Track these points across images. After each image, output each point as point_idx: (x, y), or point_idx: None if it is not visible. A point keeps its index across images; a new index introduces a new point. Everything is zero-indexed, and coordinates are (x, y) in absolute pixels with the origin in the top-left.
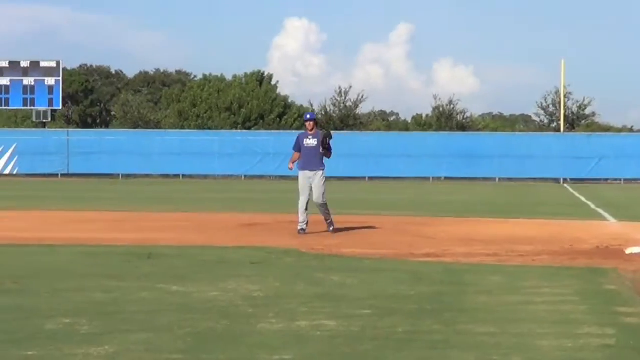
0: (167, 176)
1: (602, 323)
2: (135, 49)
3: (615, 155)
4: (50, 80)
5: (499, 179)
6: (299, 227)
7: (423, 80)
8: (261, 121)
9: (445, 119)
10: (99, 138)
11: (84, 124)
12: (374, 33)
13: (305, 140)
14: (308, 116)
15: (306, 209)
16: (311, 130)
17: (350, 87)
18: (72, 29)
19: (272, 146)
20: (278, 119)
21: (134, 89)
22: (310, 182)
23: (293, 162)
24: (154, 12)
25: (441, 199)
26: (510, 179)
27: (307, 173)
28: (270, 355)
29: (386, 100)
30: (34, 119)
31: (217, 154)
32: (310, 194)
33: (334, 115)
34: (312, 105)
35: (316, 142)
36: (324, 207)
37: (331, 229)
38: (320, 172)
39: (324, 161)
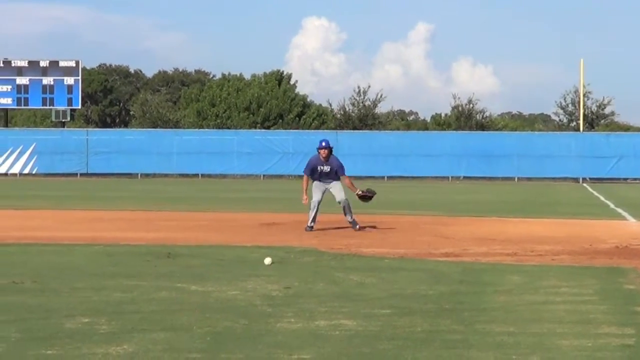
0: (185, 175)
1: (622, 323)
2: (154, 49)
3: (635, 155)
4: (69, 80)
5: (518, 178)
6: (308, 225)
7: (442, 80)
8: (280, 120)
9: (465, 118)
10: (118, 137)
11: (103, 123)
12: (393, 32)
13: (319, 166)
14: (323, 143)
15: (318, 210)
16: (325, 157)
17: (369, 86)
18: (91, 29)
19: (291, 145)
20: (297, 118)
21: (153, 89)
22: (328, 188)
23: (306, 192)
24: (173, 12)
25: (460, 199)
26: (529, 179)
27: (325, 184)
28: (289, 354)
29: (405, 100)
30: (53, 118)
31: (236, 153)
32: (331, 196)
33: (353, 114)
34: (330, 105)
35: (329, 169)
36: (348, 207)
37: (357, 227)
38: (337, 181)
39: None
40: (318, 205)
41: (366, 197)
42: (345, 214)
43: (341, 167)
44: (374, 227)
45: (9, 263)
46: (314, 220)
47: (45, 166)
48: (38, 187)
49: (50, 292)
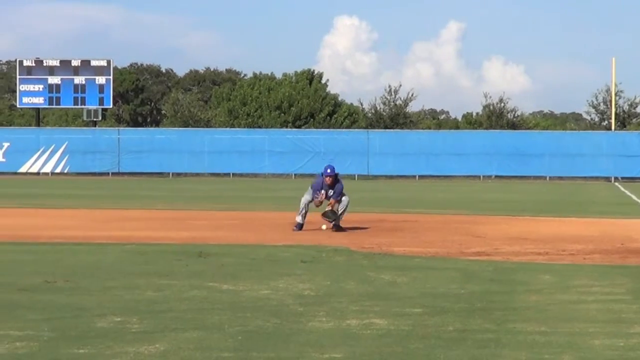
0: (217, 175)
1: None
2: (186, 48)
3: None
4: (100, 79)
5: (550, 177)
6: (298, 223)
7: (473, 79)
8: (311, 120)
9: (496, 117)
10: (150, 137)
11: (134, 122)
12: (425, 31)
13: (323, 190)
14: (329, 170)
15: (307, 209)
16: (330, 184)
17: (400, 85)
18: (122, 28)
19: (322, 145)
20: (328, 118)
21: (184, 88)
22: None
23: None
24: (204, 12)
25: (491, 198)
26: (560, 178)
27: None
28: (321, 353)
29: (436, 99)
30: (84, 117)
31: (267, 152)
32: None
33: (384, 113)
34: (362, 104)
35: (332, 193)
36: (345, 208)
37: (336, 227)
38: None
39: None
40: (307, 205)
41: (330, 215)
42: (337, 211)
43: (340, 192)
44: (403, 226)
45: (41, 262)
46: (303, 218)
47: (76, 165)
48: (70, 187)
49: (82, 291)
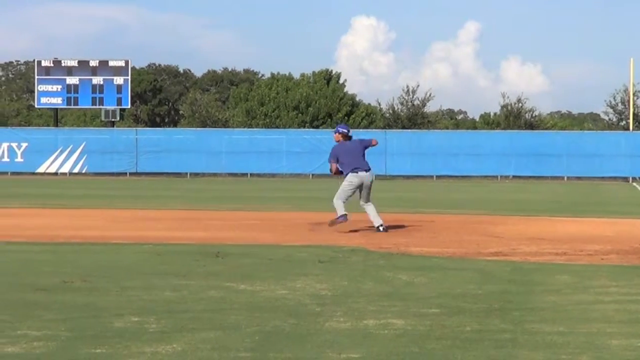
0: (234, 175)
1: None
2: (203, 48)
3: None
4: (118, 80)
5: (567, 177)
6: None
7: (491, 79)
8: (329, 120)
9: (514, 118)
10: (167, 137)
11: (152, 122)
12: (442, 31)
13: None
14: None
15: (369, 209)
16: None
17: (418, 85)
18: (140, 29)
19: None
20: (346, 118)
21: (202, 88)
22: None
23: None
24: (222, 12)
25: (509, 198)
26: (578, 178)
27: None
28: (338, 354)
29: (454, 99)
30: (102, 118)
31: (285, 152)
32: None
33: (402, 114)
34: (379, 104)
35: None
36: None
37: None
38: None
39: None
40: (364, 205)
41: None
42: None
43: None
44: (420, 226)
45: (59, 262)
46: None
47: (94, 165)
48: (87, 187)
49: (100, 291)
